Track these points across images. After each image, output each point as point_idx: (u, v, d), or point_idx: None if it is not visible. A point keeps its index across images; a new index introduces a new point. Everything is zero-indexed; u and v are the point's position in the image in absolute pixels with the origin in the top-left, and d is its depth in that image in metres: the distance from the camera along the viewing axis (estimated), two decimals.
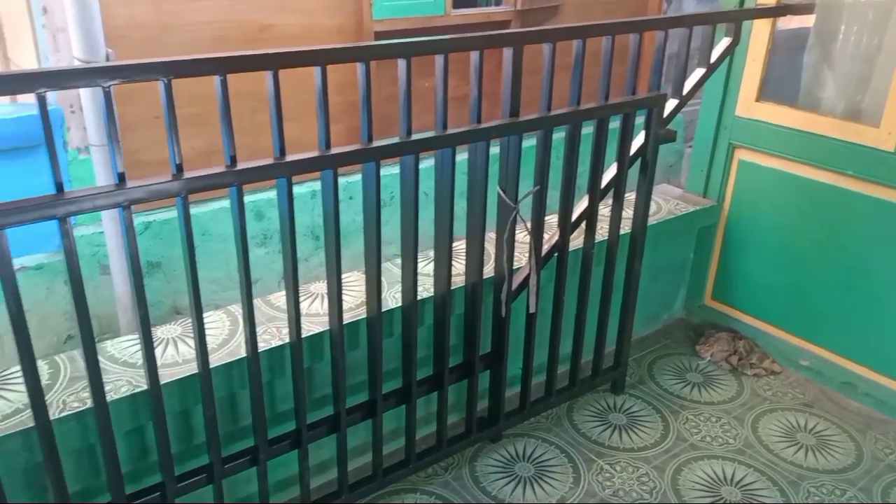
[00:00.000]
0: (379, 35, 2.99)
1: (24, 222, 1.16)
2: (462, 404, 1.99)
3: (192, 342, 1.64)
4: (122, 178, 1.24)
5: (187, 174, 1.28)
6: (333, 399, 1.69)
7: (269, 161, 1.37)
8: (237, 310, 1.78)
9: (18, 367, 1.54)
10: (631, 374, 2.40)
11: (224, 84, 1.30)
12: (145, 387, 1.48)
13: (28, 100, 2.78)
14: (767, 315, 2.54)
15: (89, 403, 1.43)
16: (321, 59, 1.39)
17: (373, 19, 2.96)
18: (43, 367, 1.54)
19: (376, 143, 1.50)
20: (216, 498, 1.55)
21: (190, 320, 1.73)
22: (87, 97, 2.52)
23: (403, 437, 1.86)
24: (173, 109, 1.27)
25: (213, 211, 2.86)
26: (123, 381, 1.51)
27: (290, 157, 1.39)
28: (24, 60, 2.84)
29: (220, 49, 2.77)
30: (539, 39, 1.72)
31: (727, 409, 2.27)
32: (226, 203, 2.63)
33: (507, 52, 1.67)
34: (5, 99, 2.87)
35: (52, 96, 2.69)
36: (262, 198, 2.91)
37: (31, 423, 1.36)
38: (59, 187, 1.19)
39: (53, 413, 1.38)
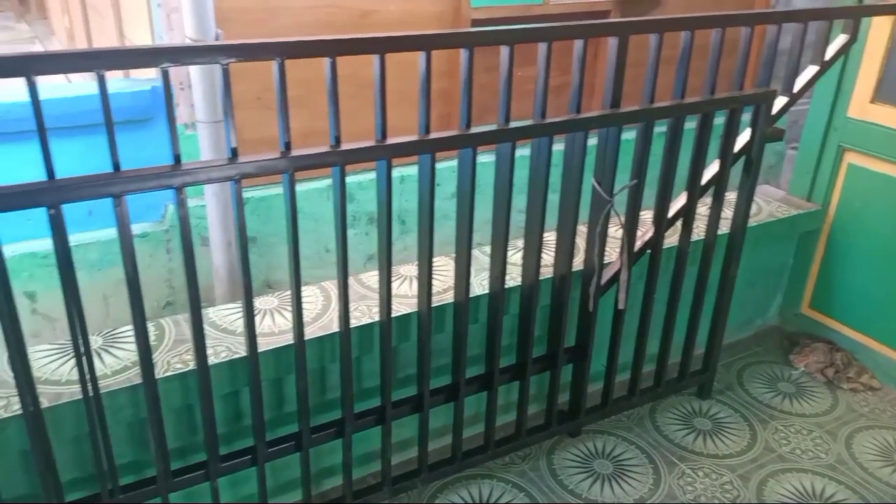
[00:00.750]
0: (476, 23, 2.99)
1: (143, 190, 1.23)
2: (542, 396, 1.99)
3: (287, 314, 1.71)
4: (234, 153, 1.29)
5: (295, 152, 1.32)
6: (418, 380, 1.72)
7: (372, 143, 1.40)
8: (330, 286, 1.83)
9: (126, 328, 1.65)
10: (719, 379, 2.32)
11: (333, 66, 1.33)
12: (243, 353, 1.55)
13: (140, 76, 2.93)
14: (869, 327, 2.41)
15: (191, 366, 1.51)
16: (427, 44, 1.41)
17: (471, 6, 2.97)
18: (150, 328, 1.62)
19: (475, 130, 1.51)
20: (303, 466, 1.61)
21: (284, 293, 1.81)
22: (196, 75, 2.63)
23: (482, 423, 1.87)
24: (285, 89, 1.30)
25: (306, 191, 2.95)
26: (223, 346, 1.58)
27: (391, 140, 1.41)
28: (139, 38, 2.99)
29: (322, 33, 2.84)
30: (647, 30, 1.68)
31: (820, 422, 2.17)
32: (318, 184, 2.70)
33: (613, 42, 1.64)
34: (118, 74, 3.04)
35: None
36: (351, 181, 2.97)
37: (138, 381, 1.45)
38: (177, 159, 1.25)
39: (158, 372, 1.46)
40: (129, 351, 1.55)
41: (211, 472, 1.49)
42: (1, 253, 1.16)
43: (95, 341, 1.58)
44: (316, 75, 1.35)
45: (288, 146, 1.34)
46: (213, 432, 1.46)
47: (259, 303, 1.76)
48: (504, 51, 1.50)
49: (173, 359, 1.53)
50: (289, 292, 1.80)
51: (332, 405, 1.73)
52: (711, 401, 2.24)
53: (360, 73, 1.58)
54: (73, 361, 1.50)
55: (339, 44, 1.34)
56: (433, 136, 1.46)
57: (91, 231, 2.74)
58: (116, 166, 1.20)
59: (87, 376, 1.28)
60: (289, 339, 1.61)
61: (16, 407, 1.36)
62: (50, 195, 1.14)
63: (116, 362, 1.51)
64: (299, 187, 2.77)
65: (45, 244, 2.58)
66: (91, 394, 1.29)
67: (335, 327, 1.66)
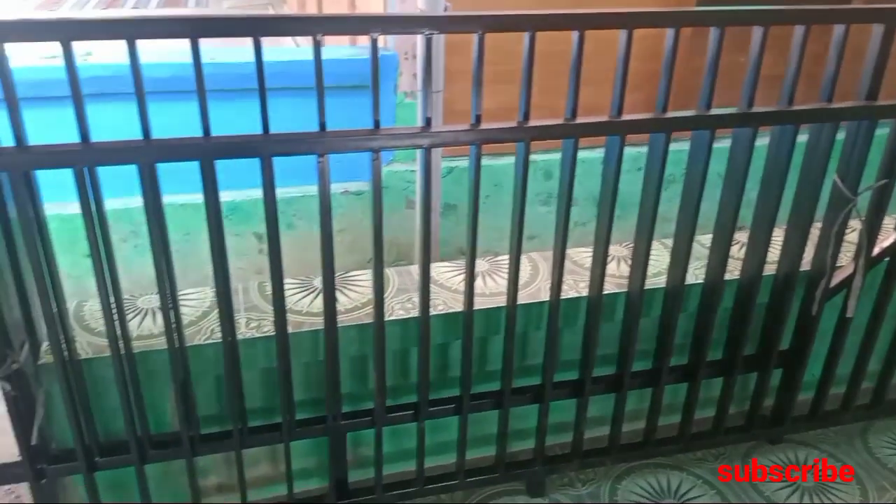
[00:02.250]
0: (701, 2, 2.87)
1: (343, 151, 1.30)
2: (744, 397, 1.91)
3: (497, 278, 1.77)
4: (428, 122, 1.33)
5: (483, 125, 1.35)
6: (618, 361, 1.72)
7: (560, 121, 1.39)
8: (538, 257, 1.87)
9: (358, 272, 1.80)
10: None
11: (532, 41, 1.33)
12: (457, 309, 1.64)
13: (366, 43, 3.13)
14: None
15: (413, 313, 1.62)
16: (629, 22, 1.37)
17: None
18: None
19: (671, 114, 1.46)
20: (500, 423, 1.68)
21: (496, 258, 1.87)
22: (421, 46, 2.77)
23: (678, 414, 1.83)
24: (482, 62, 1.33)
25: (507, 165, 3.01)
26: (440, 300, 1.67)
27: (579, 120, 1.40)
28: (373, 9, 3.17)
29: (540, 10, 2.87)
30: None
31: None
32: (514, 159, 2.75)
33: (878, 29, 1.52)
34: (345, 42, 3.27)
35: (391, 42, 3.01)
36: (553, 158, 2.99)
37: (367, 321, 1.58)
38: (377, 124, 1.31)
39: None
40: (358, 293, 1.69)
41: (421, 414, 1.60)
42: (274, 195, 1.31)
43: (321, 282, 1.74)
44: (538, 49, 1.36)
45: (479, 119, 1.36)
46: (426, 378, 1.56)
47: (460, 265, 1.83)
48: (713, 32, 1.43)
49: (396, 305, 1.65)
50: (499, 257, 1.88)
51: (532, 371, 1.77)
52: None
53: (564, 50, 1.58)
54: (311, 296, 1.67)
55: (539, 19, 1.33)
56: (625, 117, 1.43)
57: (316, 184, 3.00)
58: (322, 126, 1.28)
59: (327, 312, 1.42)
60: (498, 301, 1.67)
61: (266, 329, 1.55)
62: (265, 147, 1.25)
63: (348, 302, 1.65)
64: (501, 160, 2.88)
65: (277, 192, 2.86)
66: (328, 325, 1.43)
67: (542, 296, 1.70)
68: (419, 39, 2.81)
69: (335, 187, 2.99)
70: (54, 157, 1.17)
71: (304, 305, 1.64)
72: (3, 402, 1.33)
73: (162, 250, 1.29)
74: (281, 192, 2.92)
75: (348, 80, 2.91)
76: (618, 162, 1.46)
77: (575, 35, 1.37)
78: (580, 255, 1.88)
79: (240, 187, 2.65)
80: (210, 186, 1.27)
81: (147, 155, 1.20)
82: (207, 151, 1.23)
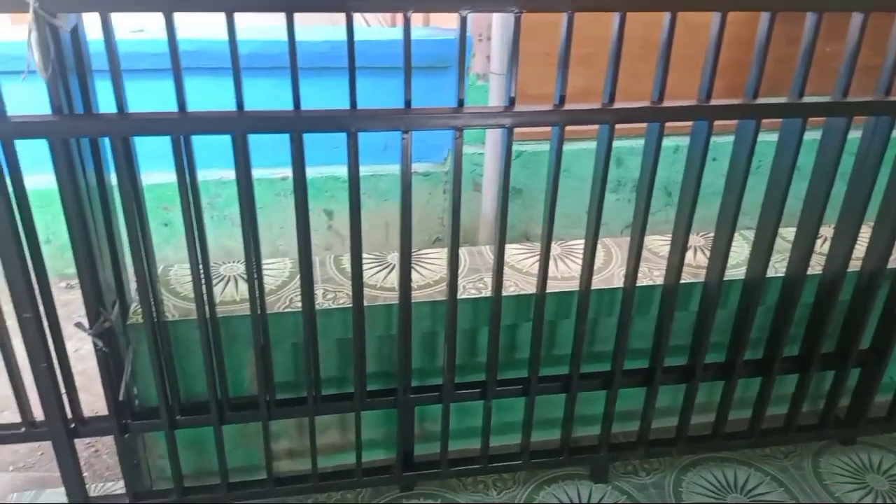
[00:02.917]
0: None
1: (427, 128, 1.30)
2: (818, 395, 1.86)
3: (569, 262, 1.77)
4: (511, 102, 1.32)
5: (567, 106, 1.34)
6: (690, 351, 1.70)
7: (645, 104, 1.36)
8: (611, 243, 1.86)
9: (428, 251, 1.81)
10: None
11: (622, 21, 1.30)
12: (528, 291, 1.64)
13: (442, 26, 3.14)
14: None
15: (484, 293, 1.63)
16: (723, 4, 1.33)
17: None
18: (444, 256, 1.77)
19: (761, 101, 1.41)
20: (567, 406, 1.68)
21: (567, 242, 1.86)
22: (497, 28, 2.76)
23: (749, 408, 1.80)
24: (570, 42, 1.30)
25: (576, 150, 2.99)
26: (511, 282, 1.68)
27: (666, 103, 1.37)
28: None
29: None
30: None
31: None
32: (589, 145, 2.71)
33: None
34: (419, 23, 3.27)
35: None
36: (623, 145, 2.95)
37: (438, 298, 1.60)
38: (461, 102, 1.30)
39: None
40: (430, 270, 1.71)
41: (489, 393, 1.61)
42: (357, 170, 1.33)
43: (395, 258, 1.76)
44: (606, 35, 1.34)
45: (562, 100, 1.35)
46: (495, 357, 1.57)
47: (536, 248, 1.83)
48: (810, 18, 1.38)
49: (468, 285, 1.66)
50: (571, 241, 1.87)
51: (600, 357, 1.76)
52: None
53: (651, 36, 1.55)
54: (385, 272, 1.70)
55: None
56: (713, 102, 1.39)
57: (383, 164, 3.04)
58: (407, 103, 1.28)
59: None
60: (570, 285, 1.66)
61: (341, 300, 1.58)
62: (351, 121, 1.26)
63: (420, 279, 1.67)
64: (569, 146, 2.84)
65: (342, 170, 2.90)
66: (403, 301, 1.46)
67: (616, 283, 1.69)
68: (496, 21, 2.80)
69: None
70: (153, 124, 1.21)
71: (378, 280, 1.66)
72: (78, 361, 1.40)
73: (250, 219, 1.33)
74: (340, 169, 2.96)
75: (422, 60, 2.93)
76: (704, 148, 1.43)
77: (667, 16, 1.34)
78: (654, 244, 1.85)
79: (310, 164, 2.73)
80: (298, 159, 1.29)
81: (240, 125, 1.24)
82: (297, 124, 1.26)
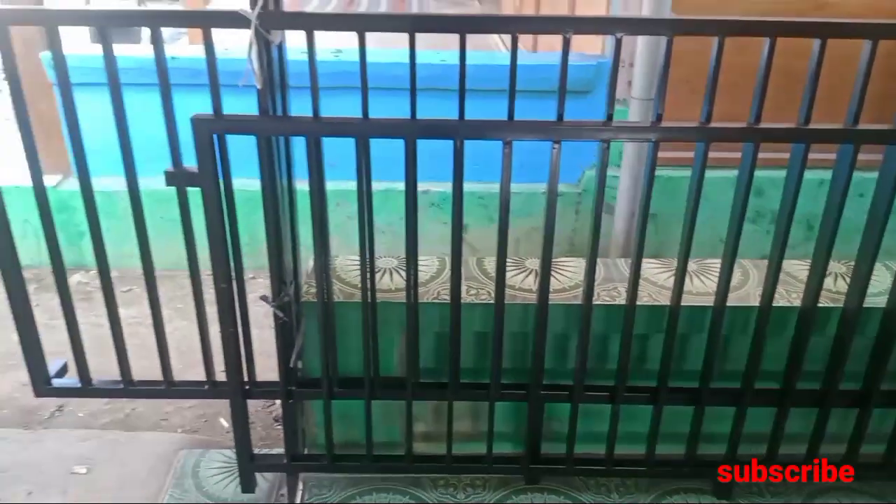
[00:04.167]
0: None
1: (576, 139, 1.45)
2: None
3: (704, 279, 1.82)
4: (659, 118, 1.42)
5: (712, 125, 1.42)
6: (824, 378, 1.70)
7: (791, 125, 1.42)
8: (748, 263, 1.89)
9: (566, 258, 1.92)
10: None
11: (772, 46, 1.38)
12: (662, 303, 1.71)
13: (586, 52, 3.25)
14: None
15: (618, 301, 1.72)
16: (873, 32, 1.38)
17: None
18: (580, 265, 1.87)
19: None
20: (654, 418, 1.73)
21: (703, 260, 1.91)
22: (640, 53, 2.84)
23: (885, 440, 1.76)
24: (719, 64, 1.39)
25: (710, 178, 2.97)
26: (645, 292, 1.75)
27: (813, 125, 1.42)
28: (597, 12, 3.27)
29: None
30: None
31: None
32: (725, 173, 2.71)
33: None
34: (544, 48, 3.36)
35: (609, 50, 3.10)
36: (764, 175, 2.92)
37: (573, 301, 1.71)
38: (609, 117, 1.42)
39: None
40: (566, 277, 1.82)
41: (617, 398, 1.69)
42: (461, 177, 1.47)
43: (534, 263, 1.89)
44: (747, 62, 1.40)
45: (709, 117, 1.43)
46: (626, 363, 1.65)
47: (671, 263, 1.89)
48: (866, 45, 1.38)
49: (603, 293, 1.75)
50: (708, 259, 1.92)
51: (729, 376, 1.78)
52: None
53: (792, 65, 1.59)
54: (523, 275, 1.83)
55: (781, 25, 1.38)
56: (861, 126, 1.42)
57: (515, 182, 3.17)
58: (559, 116, 1.42)
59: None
60: (704, 300, 1.71)
61: (483, 297, 1.72)
62: (507, 131, 1.42)
63: (557, 283, 1.79)
64: (709, 173, 2.85)
65: (479, 187, 3.05)
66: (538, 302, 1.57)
67: (751, 301, 1.72)
68: (640, 46, 2.88)
69: (537, 187, 3.14)
70: (342, 126, 1.41)
71: (517, 282, 1.79)
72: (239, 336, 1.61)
73: (413, 219, 1.49)
74: (487, 187, 3.13)
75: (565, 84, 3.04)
76: (850, 171, 1.47)
77: (816, 43, 1.40)
78: (792, 267, 1.87)
79: (446, 179, 2.92)
80: (411, 162, 1.44)
81: (412, 130, 1.41)
82: (412, 130, 1.42)
